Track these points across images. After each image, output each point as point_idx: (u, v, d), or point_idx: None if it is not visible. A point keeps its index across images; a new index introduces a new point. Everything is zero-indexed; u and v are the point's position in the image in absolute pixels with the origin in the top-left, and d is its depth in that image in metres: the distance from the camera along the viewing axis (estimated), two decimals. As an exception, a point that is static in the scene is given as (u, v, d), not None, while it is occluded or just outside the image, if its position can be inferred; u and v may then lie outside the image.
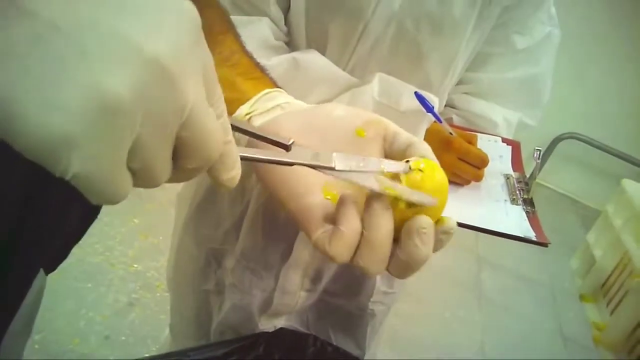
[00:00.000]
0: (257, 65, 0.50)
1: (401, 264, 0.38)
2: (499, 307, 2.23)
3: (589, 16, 2.75)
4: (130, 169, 0.24)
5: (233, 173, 0.31)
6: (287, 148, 0.34)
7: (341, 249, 0.36)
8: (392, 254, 0.37)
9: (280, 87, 0.48)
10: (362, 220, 0.36)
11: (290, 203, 0.40)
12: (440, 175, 0.37)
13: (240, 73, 0.47)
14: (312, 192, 0.39)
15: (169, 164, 0.26)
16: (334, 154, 0.35)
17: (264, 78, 0.48)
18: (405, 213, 0.36)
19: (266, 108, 0.44)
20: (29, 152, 0.21)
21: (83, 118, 0.21)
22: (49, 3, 0.20)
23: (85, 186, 0.22)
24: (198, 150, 0.26)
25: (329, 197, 0.39)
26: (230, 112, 0.41)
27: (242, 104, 0.44)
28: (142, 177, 0.25)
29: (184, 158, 0.26)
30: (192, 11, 0.25)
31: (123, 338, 1.65)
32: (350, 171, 0.35)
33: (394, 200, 0.36)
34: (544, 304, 2.34)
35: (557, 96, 0.86)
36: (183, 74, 0.23)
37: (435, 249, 0.38)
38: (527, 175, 0.72)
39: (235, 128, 0.34)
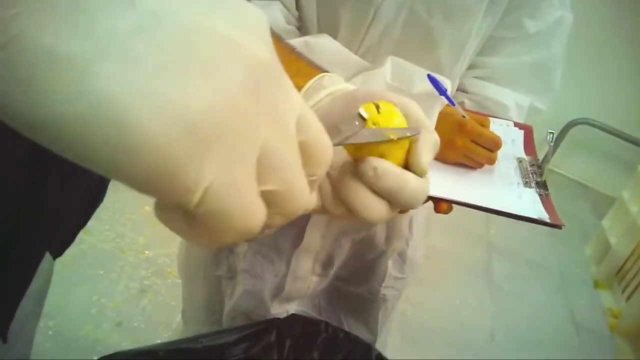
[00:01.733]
0: (292, 53, 0.47)
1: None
2: (509, 294, 2.23)
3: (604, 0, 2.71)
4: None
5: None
6: None
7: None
8: None
9: (318, 67, 0.46)
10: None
11: None
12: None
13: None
14: None
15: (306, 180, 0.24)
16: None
17: (304, 67, 0.46)
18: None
19: (319, 98, 0.41)
20: (146, 175, 0.18)
21: (214, 126, 0.18)
22: None
23: (220, 213, 0.20)
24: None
25: None
26: None
27: None
28: (279, 203, 0.23)
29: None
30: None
31: (135, 324, 1.66)
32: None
33: None
34: (555, 291, 2.33)
35: (570, 81, 0.85)
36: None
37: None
38: (540, 160, 0.71)
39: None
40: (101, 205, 0.56)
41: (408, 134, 0.34)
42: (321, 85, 0.43)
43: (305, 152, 0.24)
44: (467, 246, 2.38)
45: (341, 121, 0.33)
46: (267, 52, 0.21)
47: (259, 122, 0.21)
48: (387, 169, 0.32)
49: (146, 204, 2.01)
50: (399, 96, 0.39)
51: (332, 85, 0.42)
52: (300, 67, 0.45)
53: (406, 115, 0.37)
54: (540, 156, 0.71)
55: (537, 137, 0.76)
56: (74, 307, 1.62)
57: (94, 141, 0.17)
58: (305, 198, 0.24)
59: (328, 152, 0.26)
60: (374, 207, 0.33)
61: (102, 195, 0.54)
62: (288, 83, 0.23)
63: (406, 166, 0.35)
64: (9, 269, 0.43)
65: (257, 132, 0.21)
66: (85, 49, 0.16)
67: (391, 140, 0.33)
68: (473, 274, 2.29)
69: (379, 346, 0.88)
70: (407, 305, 1.91)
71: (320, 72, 0.43)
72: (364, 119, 0.33)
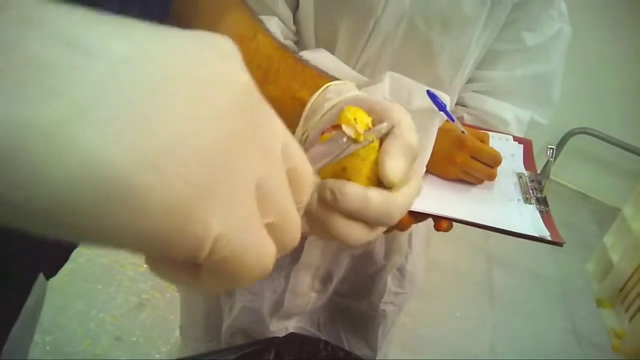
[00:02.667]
0: (298, 63, 0.46)
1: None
2: (510, 306, 2.21)
3: (603, 9, 2.71)
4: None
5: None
6: None
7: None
8: None
9: (325, 75, 0.45)
10: None
11: None
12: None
13: (285, 90, 0.44)
14: None
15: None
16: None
17: (309, 78, 0.45)
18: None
19: (324, 112, 0.40)
20: (150, 235, 0.17)
21: (210, 169, 0.18)
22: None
23: (234, 257, 0.19)
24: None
25: None
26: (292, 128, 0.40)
27: (296, 121, 0.42)
28: (279, 235, 0.22)
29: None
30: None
31: (134, 339, 1.65)
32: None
33: None
34: (556, 302, 2.32)
35: (569, 90, 0.84)
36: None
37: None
38: (539, 171, 0.70)
39: None
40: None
41: (370, 135, 0.31)
42: (325, 98, 0.41)
43: (291, 180, 0.23)
44: (467, 258, 2.37)
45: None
46: (246, 76, 0.20)
47: (251, 154, 0.20)
48: (343, 189, 0.30)
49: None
50: (379, 100, 0.37)
51: (337, 95, 0.41)
52: (307, 79, 0.44)
53: (383, 117, 0.35)
54: (540, 166, 0.71)
55: (535, 147, 0.76)
56: (71, 322, 1.61)
57: (87, 210, 0.16)
58: (300, 227, 0.23)
59: (310, 178, 0.25)
60: (348, 231, 0.31)
61: None
62: (269, 108, 0.22)
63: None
64: (1, 290, 0.42)
65: (251, 165, 0.20)
66: (59, 111, 0.15)
67: (353, 153, 0.31)
68: (473, 285, 2.28)
69: (379, 362, 0.87)
70: (408, 318, 1.89)
71: (327, 81, 0.42)
72: (343, 135, 0.31)
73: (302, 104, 0.41)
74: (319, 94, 0.41)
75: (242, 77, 0.20)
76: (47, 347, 1.52)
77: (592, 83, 2.91)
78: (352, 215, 0.31)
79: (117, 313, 1.70)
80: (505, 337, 2.05)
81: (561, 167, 3.06)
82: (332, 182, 0.30)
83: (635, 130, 2.94)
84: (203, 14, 0.48)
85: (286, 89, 0.44)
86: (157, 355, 1.60)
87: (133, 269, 1.85)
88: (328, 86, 0.41)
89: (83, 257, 1.81)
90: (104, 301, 1.72)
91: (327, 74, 0.44)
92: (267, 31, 0.48)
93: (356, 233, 0.31)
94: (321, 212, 0.31)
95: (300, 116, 0.41)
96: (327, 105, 0.40)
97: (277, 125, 0.23)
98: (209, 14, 0.48)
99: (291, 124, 0.41)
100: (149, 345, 1.62)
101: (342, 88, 0.41)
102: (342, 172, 0.32)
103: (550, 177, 0.68)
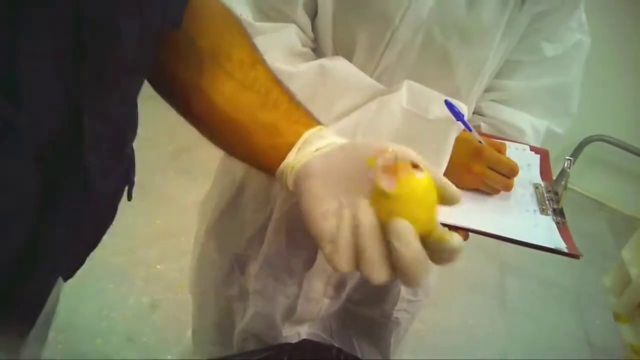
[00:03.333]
0: (293, 100, 0.52)
1: (398, 270, 0.40)
2: (523, 313, 2.19)
3: (619, 15, 2.68)
4: None
5: None
6: None
7: (341, 262, 0.41)
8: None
9: (319, 123, 0.51)
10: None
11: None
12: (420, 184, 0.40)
13: (283, 116, 0.50)
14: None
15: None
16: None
17: (304, 117, 0.51)
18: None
19: (309, 153, 0.47)
20: None
21: None
22: None
23: None
24: None
25: None
26: (279, 157, 0.47)
27: (289, 148, 0.48)
28: None
29: None
30: None
31: (145, 339, 1.65)
32: None
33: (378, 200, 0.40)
34: (570, 310, 2.29)
35: (585, 97, 0.83)
36: None
37: (440, 262, 0.41)
38: (554, 178, 0.70)
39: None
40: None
41: None
42: (320, 135, 0.48)
43: None
44: (480, 264, 2.34)
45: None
46: None
47: None
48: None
49: (157, 218, 2.01)
50: (398, 145, 0.43)
51: (329, 137, 0.48)
52: (301, 116, 0.51)
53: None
54: (556, 175, 0.70)
55: (552, 154, 0.75)
56: (83, 321, 1.62)
57: None
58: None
59: None
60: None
61: (112, 216, 0.54)
62: None
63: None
64: (23, 293, 0.43)
65: None
66: None
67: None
68: (486, 292, 2.26)
69: (391, 370, 0.87)
70: (420, 325, 1.88)
71: (318, 124, 0.49)
72: None
73: (298, 134, 0.48)
74: (315, 130, 0.48)
75: None
76: (59, 346, 1.53)
77: (609, 90, 2.88)
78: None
79: (129, 313, 1.70)
80: (518, 345, 2.03)
81: (577, 174, 3.03)
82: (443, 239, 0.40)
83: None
84: (207, 33, 0.51)
85: (286, 115, 0.50)
86: (168, 356, 1.61)
87: (146, 270, 1.86)
88: (320, 128, 0.49)
89: (95, 257, 1.79)
90: (115, 301, 1.72)
91: (316, 119, 0.51)
92: (265, 63, 0.54)
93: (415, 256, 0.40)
94: (394, 246, 0.39)
95: (292, 144, 0.48)
96: (323, 142, 0.47)
97: None
98: (212, 34, 0.50)
99: (285, 146, 0.48)
100: (160, 346, 1.63)
101: (327, 133, 0.49)
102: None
103: (571, 167, 0.67)
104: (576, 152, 2.99)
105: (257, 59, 0.53)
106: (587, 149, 2.99)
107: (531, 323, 2.15)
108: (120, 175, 0.49)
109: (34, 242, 0.39)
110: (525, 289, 2.31)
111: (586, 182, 3.15)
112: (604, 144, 2.98)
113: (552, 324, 2.19)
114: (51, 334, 1.47)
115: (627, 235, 2.74)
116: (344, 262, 0.40)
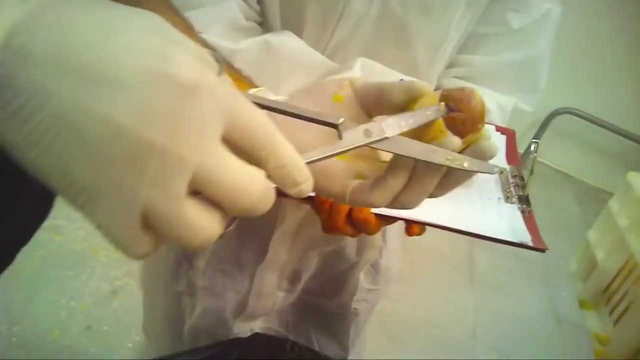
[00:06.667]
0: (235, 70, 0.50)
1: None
2: (491, 288, 2.20)
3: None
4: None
5: (301, 187, 0.28)
6: (336, 127, 0.35)
7: (384, 196, 0.38)
8: None
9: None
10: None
11: None
12: (474, 100, 0.38)
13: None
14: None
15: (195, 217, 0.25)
16: (384, 123, 0.35)
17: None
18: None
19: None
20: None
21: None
22: None
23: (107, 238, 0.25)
24: (228, 203, 0.26)
25: (341, 159, 0.41)
26: None
27: None
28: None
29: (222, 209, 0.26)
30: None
31: (105, 328, 1.60)
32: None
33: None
34: (538, 285, 2.31)
35: (554, 70, 0.78)
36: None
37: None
38: (522, 153, 0.65)
39: (273, 109, 0.34)
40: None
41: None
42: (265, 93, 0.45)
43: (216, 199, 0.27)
44: (448, 238, 2.33)
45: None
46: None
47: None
48: None
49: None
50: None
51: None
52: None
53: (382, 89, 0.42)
54: (522, 148, 0.65)
55: (519, 127, 0.70)
56: (40, 312, 1.56)
57: None
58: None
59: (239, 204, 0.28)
60: None
61: (47, 212, 0.50)
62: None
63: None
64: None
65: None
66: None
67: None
68: (454, 268, 2.26)
69: (352, 361, 0.83)
70: (388, 302, 1.87)
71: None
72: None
73: None
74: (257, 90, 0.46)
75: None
76: (14, 339, 1.46)
77: (577, 63, 2.88)
78: None
79: (88, 301, 1.64)
80: (486, 318, 2.04)
81: (545, 147, 3.05)
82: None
83: (619, 111, 2.93)
84: None
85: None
86: (129, 345, 1.56)
87: (106, 255, 1.79)
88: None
89: (54, 243, 1.74)
90: (75, 289, 1.66)
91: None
92: (200, 38, 0.52)
93: None
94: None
95: None
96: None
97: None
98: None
99: None
100: (121, 334, 1.58)
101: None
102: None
103: (537, 151, 0.63)
104: (544, 126, 3.00)
105: (191, 35, 0.48)
106: (553, 122, 3.01)
107: (499, 297, 2.16)
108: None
109: None
110: (494, 263, 2.32)
111: (553, 154, 3.17)
112: (571, 116, 3.00)
113: (520, 298, 2.21)
114: (5, 327, 1.39)
115: (593, 206, 2.78)
116: (388, 198, 0.38)
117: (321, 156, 0.33)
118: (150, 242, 0.25)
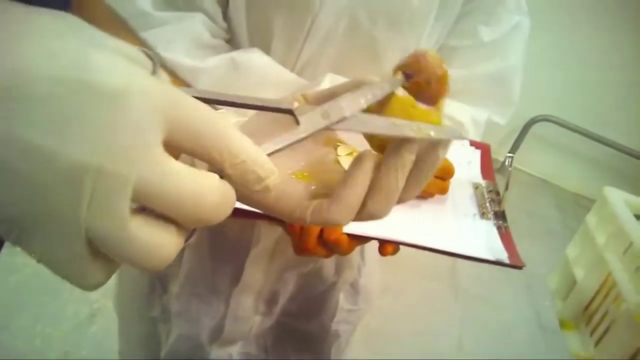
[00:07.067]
0: None
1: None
2: (476, 298, 2.19)
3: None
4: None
5: (266, 182, 0.26)
6: (292, 113, 0.32)
7: (344, 211, 0.33)
8: None
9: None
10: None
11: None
12: (429, 57, 0.37)
13: None
14: (285, 180, 0.37)
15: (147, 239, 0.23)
16: (342, 102, 0.33)
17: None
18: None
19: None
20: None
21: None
22: None
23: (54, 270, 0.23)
24: (180, 215, 0.23)
25: (301, 179, 0.38)
26: None
27: None
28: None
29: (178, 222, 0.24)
30: None
31: (84, 353, 1.56)
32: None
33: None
34: (521, 293, 2.31)
35: (530, 78, 0.78)
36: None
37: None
38: (499, 159, 0.65)
39: (219, 102, 0.31)
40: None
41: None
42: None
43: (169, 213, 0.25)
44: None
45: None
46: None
47: None
48: None
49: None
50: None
51: None
52: None
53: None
54: (499, 154, 0.64)
55: (497, 135, 0.69)
56: (15, 340, 1.51)
57: None
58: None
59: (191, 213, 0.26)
60: None
61: None
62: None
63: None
64: None
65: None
66: None
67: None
68: (438, 278, 2.25)
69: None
70: (371, 315, 1.84)
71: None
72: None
73: None
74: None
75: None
76: (-14, 369, 1.42)
77: (556, 71, 2.92)
78: None
79: (66, 326, 1.60)
80: (472, 329, 2.03)
81: (523, 154, 3.08)
82: None
83: (596, 118, 2.97)
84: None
85: None
86: (109, 371, 1.52)
87: (84, 278, 1.75)
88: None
89: (29, 267, 1.69)
90: (51, 315, 1.61)
91: None
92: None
93: None
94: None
95: None
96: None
97: None
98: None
99: None
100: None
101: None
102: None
103: (512, 165, 0.62)
104: (523, 133, 3.03)
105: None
106: (532, 129, 3.04)
107: (484, 307, 2.16)
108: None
109: None
110: (477, 273, 2.31)
111: (531, 161, 3.20)
112: (549, 123, 3.04)
113: (503, 307, 2.20)
114: (-23, 358, 1.30)
115: (572, 211, 2.79)
116: (350, 215, 0.34)
117: (282, 145, 0.30)
118: (102, 269, 0.23)
